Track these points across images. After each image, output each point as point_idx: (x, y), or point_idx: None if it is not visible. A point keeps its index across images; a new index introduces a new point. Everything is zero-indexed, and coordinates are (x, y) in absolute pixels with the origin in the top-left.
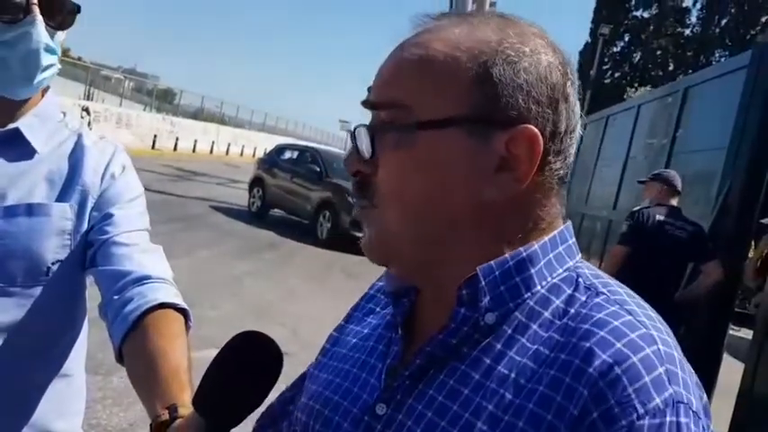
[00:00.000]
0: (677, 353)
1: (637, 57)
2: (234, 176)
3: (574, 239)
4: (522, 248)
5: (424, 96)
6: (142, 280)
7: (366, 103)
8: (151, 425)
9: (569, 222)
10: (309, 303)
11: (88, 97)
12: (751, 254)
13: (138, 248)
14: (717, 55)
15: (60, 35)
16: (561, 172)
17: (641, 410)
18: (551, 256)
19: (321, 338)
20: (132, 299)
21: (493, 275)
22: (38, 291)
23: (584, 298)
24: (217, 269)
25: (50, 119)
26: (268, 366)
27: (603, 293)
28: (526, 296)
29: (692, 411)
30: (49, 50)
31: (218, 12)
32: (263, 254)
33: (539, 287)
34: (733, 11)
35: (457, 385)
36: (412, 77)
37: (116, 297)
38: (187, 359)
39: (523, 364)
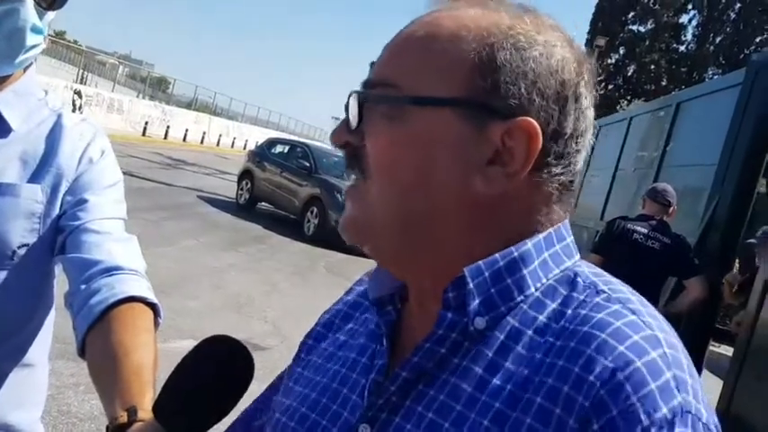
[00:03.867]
0: (685, 358)
1: (630, 70)
2: (223, 168)
3: (572, 238)
4: (513, 248)
5: (420, 73)
6: (111, 271)
7: (365, 82)
8: (108, 426)
9: (566, 220)
10: (291, 298)
11: (81, 81)
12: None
13: (111, 237)
14: (710, 72)
15: (50, 15)
16: (563, 178)
17: (646, 421)
18: (546, 255)
19: (301, 333)
20: (99, 290)
21: (482, 277)
22: (1, 275)
23: (582, 297)
24: (200, 260)
25: (30, 96)
26: (236, 375)
27: (604, 292)
28: (519, 299)
29: (703, 423)
30: (36, 30)
31: (217, 6)
32: (248, 247)
33: (533, 289)
34: (728, 30)
35: (448, 400)
36: (411, 54)
37: (83, 287)
38: (153, 358)
39: (518, 372)
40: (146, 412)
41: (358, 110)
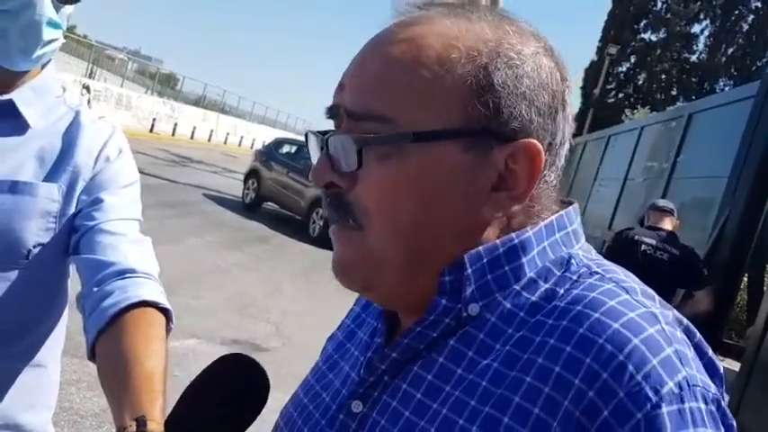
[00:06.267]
0: (684, 336)
1: (641, 79)
2: (230, 166)
3: (575, 226)
4: (513, 234)
5: (414, 105)
6: (125, 273)
7: (347, 113)
8: None
9: (575, 205)
10: (295, 300)
11: (90, 75)
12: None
13: (126, 239)
14: (721, 83)
15: (67, 9)
16: (555, 182)
17: (654, 398)
18: (546, 243)
19: (303, 336)
20: (112, 293)
21: (480, 263)
22: (15, 274)
23: (575, 277)
24: (204, 258)
25: (48, 93)
26: (252, 395)
27: (598, 273)
28: (514, 285)
29: (712, 395)
30: (53, 25)
31: (228, 4)
32: (253, 247)
33: (528, 275)
34: (740, 41)
35: (436, 381)
36: (401, 82)
37: (95, 289)
38: (164, 366)
39: (507, 351)
40: (155, 423)
41: (357, 155)
